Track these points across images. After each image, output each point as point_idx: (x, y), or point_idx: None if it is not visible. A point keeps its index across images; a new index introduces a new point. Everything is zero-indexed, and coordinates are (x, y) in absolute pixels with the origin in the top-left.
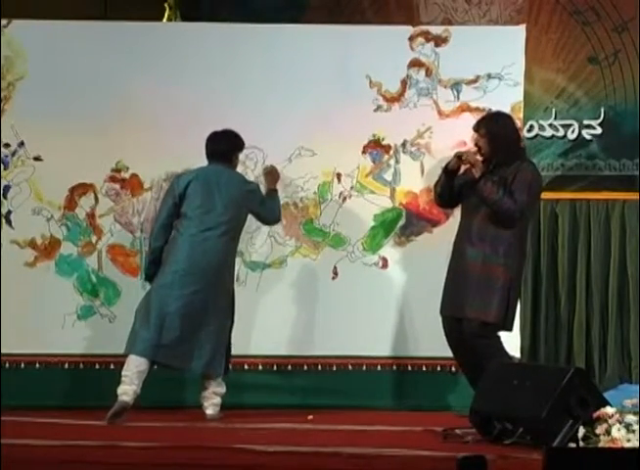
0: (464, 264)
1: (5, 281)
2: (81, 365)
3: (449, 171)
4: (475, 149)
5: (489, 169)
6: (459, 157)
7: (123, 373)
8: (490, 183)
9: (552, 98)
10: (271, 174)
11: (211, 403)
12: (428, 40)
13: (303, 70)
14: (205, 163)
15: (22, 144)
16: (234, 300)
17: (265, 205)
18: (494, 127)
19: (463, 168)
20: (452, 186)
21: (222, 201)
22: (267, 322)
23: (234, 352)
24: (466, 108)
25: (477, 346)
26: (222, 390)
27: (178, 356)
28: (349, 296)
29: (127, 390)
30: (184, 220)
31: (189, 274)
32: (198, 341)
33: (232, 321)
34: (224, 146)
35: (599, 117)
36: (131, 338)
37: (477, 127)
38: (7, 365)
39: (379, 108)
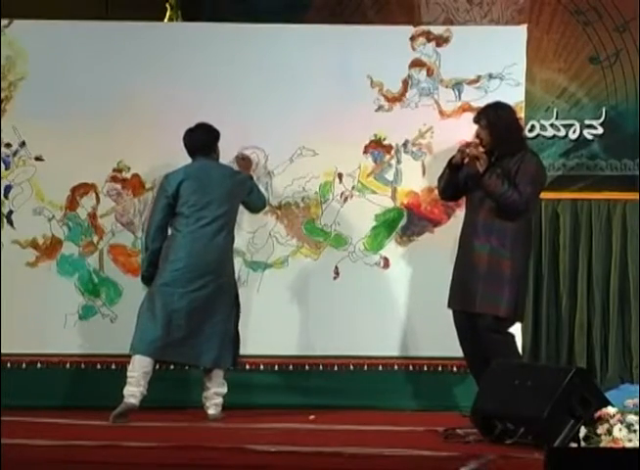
0: (471, 258)
1: (6, 281)
2: (83, 365)
3: (453, 166)
4: (477, 141)
5: (492, 162)
6: (463, 151)
7: (129, 374)
8: (495, 176)
9: (553, 98)
10: (245, 161)
11: (213, 404)
12: (429, 40)
13: (305, 71)
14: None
15: (23, 144)
16: (237, 292)
17: (253, 193)
18: (494, 117)
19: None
20: (456, 180)
21: (217, 195)
22: (268, 322)
23: None
24: (467, 108)
25: (491, 342)
26: (224, 390)
27: (187, 353)
28: (351, 296)
29: (134, 391)
30: (181, 219)
31: (191, 271)
32: (205, 335)
33: (238, 313)
34: (204, 138)
35: (600, 116)
36: (137, 338)
37: (477, 119)
38: (8, 365)
39: (380, 108)
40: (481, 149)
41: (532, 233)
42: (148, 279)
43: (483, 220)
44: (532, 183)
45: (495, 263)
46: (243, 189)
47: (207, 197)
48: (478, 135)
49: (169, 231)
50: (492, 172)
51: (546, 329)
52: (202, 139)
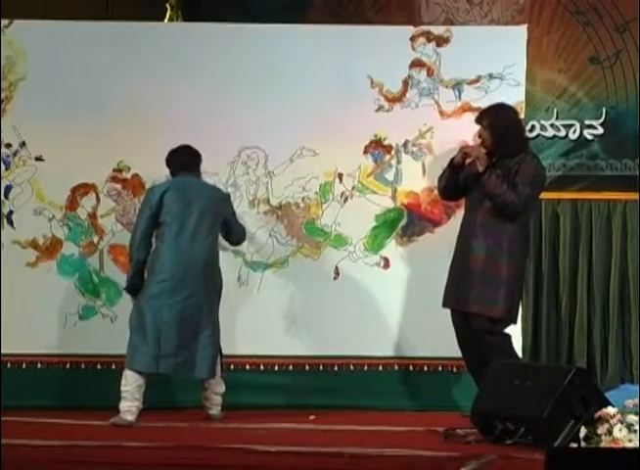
0: (468, 258)
1: (6, 281)
2: (83, 365)
3: (454, 166)
4: (478, 142)
5: (493, 162)
6: (465, 151)
7: (123, 389)
8: (494, 176)
9: (553, 98)
10: None
11: (213, 404)
12: (429, 40)
13: (305, 71)
14: (202, 162)
15: (23, 144)
16: (220, 299)
17: (235, 215)
18: (497, 118)
19: (467, 162)
20: (456, 180)
21: (199, 205)
22: (268, 322)
23: (236, 352)
24: (467, 108)
25: (486, 343)
26: (222, 389)
27: (181, 365)
28: (351, 296)
29: (131, 407)
30: (165, 228)
31: (178, 280)
32: (198, 345)
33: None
34: (192, 157)
35: (600, 117)
36: (130, 353)
37: (479, 119)
38: (8, 365)
39: (380, 108)
40: (483, 149)
41: (530, 236)
42: (132, 290)
43: (481, 221)
44: (531, 185)
45: (492, 264)
46: (226, 206)
47: (191, 206)
48: (479, 135)
49: (154, 244)
50: (492, 173)
51: (546, 329)
52: (187, 159)
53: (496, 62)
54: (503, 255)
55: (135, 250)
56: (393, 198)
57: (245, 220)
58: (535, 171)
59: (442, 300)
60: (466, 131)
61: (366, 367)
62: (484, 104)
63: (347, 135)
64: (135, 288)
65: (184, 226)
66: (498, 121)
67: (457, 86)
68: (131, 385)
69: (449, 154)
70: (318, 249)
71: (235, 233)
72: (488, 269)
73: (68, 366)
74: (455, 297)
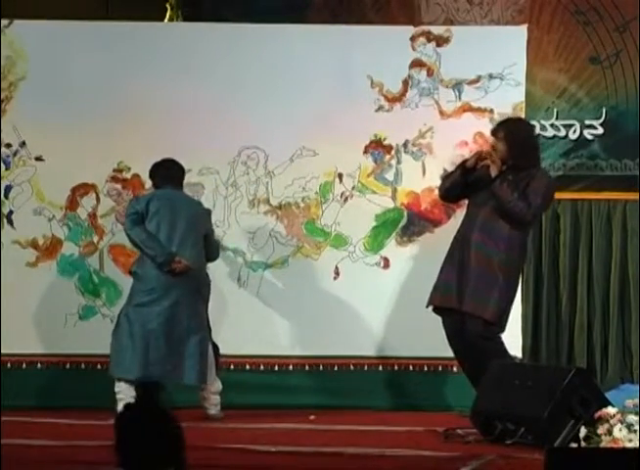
0: (465, 254)
1: (6, 281)
2: (83, 365)
3: (466, 169)
4: (483, 146)
5: (504, 170)
6: (480, 155)
7: (117, 390)
8: (506, 184)
9: (553, 98)
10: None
11: (212, 404)
12: (429, 40)
13: (305, 71)
14: (202, 162)
15: (23, 144)
16: (208, 304)
17: (213, 233)
18: (514, 130)
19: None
20: (465, 183)
21: (186, 215)
22: (268, 322)
23: (236, 352)
24: (467, 108)
25: (480, 346)
26: (219, 387)
27: (170, 371)
28: (351, 296)
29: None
30: None
31: (165, 289)
32: (186, 352)
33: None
34: (177, 171)
35: (600, 117)
36: (116, 360)
37: (495, 131)
38: (8, 365)
39: (380, 108)
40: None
41: (528, 242)
42: (169, 260)
43: (483, 219)
44: (543, 196)
45: (488, 264)
46: (207, 221)
47: (178, 216)
48: (493, 147)
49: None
50: (504, 179)
51: (546, 329)
52: (171, 172)
53: (496, 62)
54: (500, 256)
55: (138, 234)
56: (393, 198)
57: (245, 220)
58: (548, 185)
59: (430, 297)
60: (466, 131)
61: (366, 367)
62: (485, 104)
63: (347, 135)
64: (171, 255)
65: (172, 235)
66: (515, 133)
67: (457, 86)
68: (126, 384)
69: (449, 154)
70: (318, 249)
71: (211, 249)
72: (485, 269)
73: (67, 366)
74: (449, 294)
